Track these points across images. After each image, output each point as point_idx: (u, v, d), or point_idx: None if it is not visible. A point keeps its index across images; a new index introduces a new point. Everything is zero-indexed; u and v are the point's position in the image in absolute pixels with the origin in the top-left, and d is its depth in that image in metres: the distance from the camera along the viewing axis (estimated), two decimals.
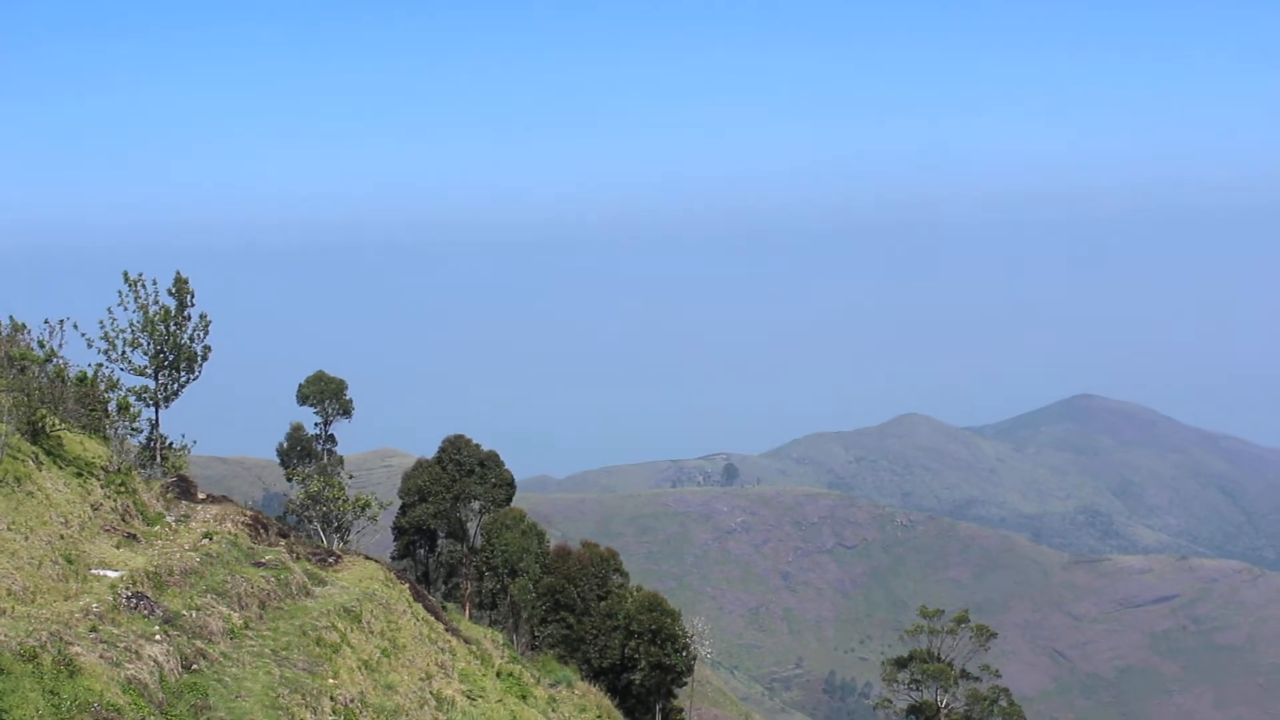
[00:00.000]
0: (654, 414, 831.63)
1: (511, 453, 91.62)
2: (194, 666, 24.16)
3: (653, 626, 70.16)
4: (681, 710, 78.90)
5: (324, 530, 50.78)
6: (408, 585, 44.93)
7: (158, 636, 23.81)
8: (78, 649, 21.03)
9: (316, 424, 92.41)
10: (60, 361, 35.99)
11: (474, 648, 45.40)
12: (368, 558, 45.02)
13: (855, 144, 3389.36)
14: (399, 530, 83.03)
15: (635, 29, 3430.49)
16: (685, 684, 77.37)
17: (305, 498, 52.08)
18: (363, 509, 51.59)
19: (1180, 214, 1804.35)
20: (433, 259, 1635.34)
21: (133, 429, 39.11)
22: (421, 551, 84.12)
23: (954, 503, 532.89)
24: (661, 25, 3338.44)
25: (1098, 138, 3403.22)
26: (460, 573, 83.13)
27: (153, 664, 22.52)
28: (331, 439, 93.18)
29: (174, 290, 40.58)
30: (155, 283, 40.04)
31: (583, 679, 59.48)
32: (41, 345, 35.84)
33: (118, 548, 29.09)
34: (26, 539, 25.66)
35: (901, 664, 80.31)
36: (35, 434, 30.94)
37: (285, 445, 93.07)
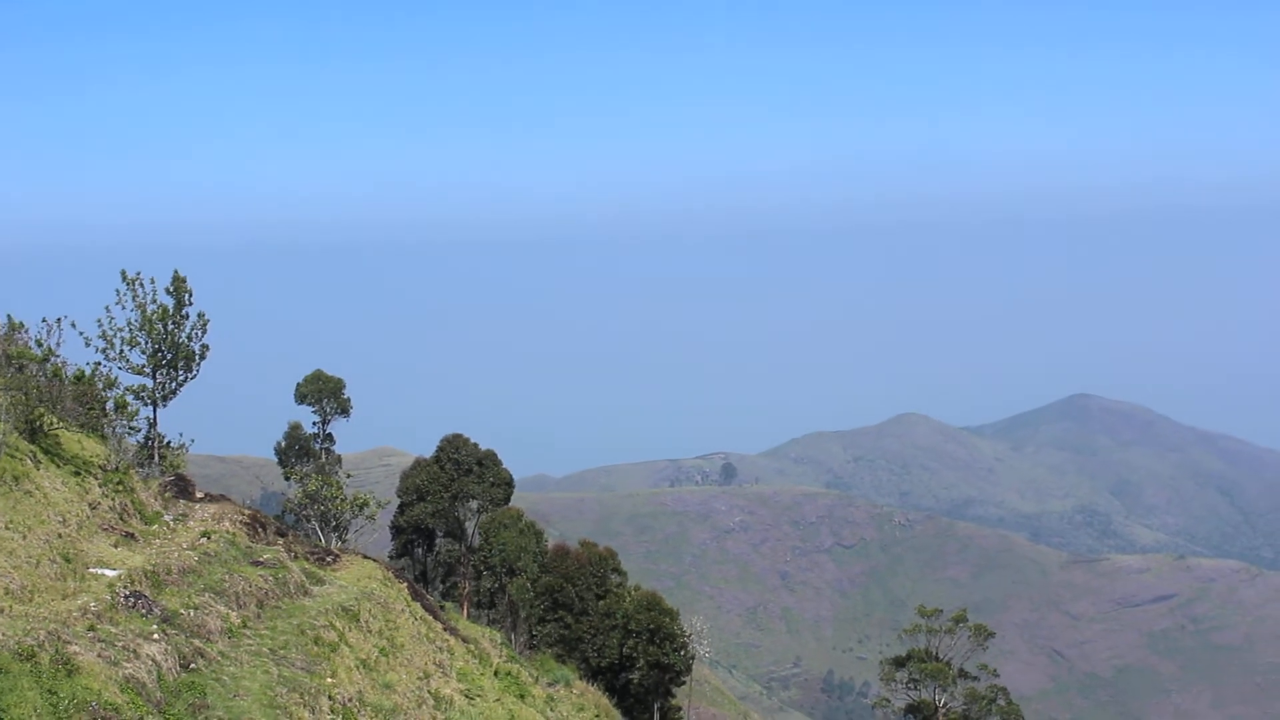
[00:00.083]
0: (652, 413, 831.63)
1: (509, 452, 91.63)
2: (192, 665, 24.16)
3: (651, 626, 70.17)
4: (680, 709, 78.90)
5: (322, 529, 50.78)
6: (406, 584, 44.92)
7: (156, 635, 23.80)
8: (76, 648, 21.03)
9: (314, 423, 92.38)
10: (58, 360, 35.97)
11: (472, 647, 45.40)
12: (366, 557, 45.02)
13: (855, 144, 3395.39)
14: (397, 529, 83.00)
15: (635, 29, 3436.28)
16: (683, 683, 77.38)
17: (303, 497, 52.08)
18: (361, 508, 51.59)
19: (1179, 214, 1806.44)
20: (433, 259, 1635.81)
21: (131, 428, 39.11)
22: (419, 551, 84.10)
23: (952, 502, 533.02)
24: (661, 25, 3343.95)
25: (1098, 138, 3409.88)
26: (458, 572, 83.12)
27: (151, 663, 22.51)
28: (329, 438, 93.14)
29: (172, 289, 40.57)
30: (153, 281, 40.03)
31: (581, 678, 59.48)
32: (40, 344, 35.81)
33: (115, 547, 29.07)
34: (24, 538, 25.65)
35: (899, 663, 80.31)
36: (33, 433, 30.93)
37: (283, 444, 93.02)
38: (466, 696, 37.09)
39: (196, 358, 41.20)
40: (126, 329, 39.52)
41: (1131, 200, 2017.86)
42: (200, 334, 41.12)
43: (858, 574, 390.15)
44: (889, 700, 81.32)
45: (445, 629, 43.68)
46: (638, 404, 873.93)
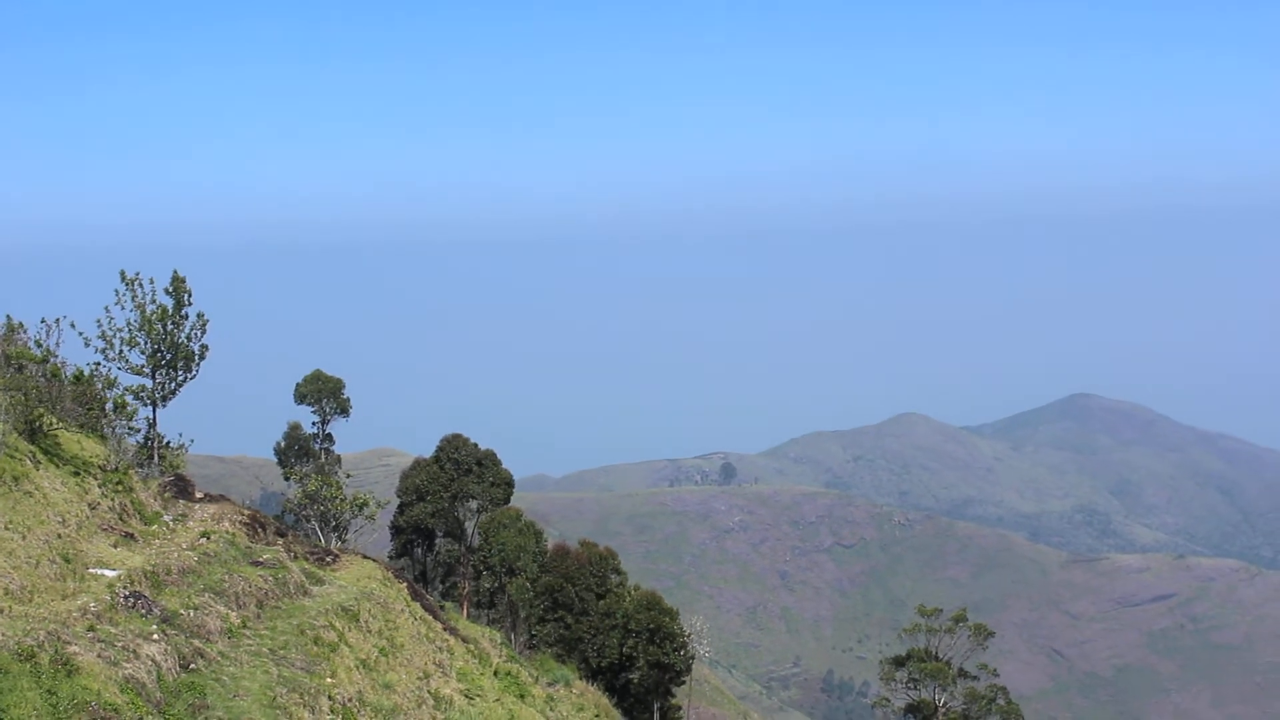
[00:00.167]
0: (652, 413, 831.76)
1: (509, 452, 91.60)
2: (192, 666, 24.16)
3: (651, 625, 70.17)
4: (679, 709, 78.91)
5: (322, 529, 50.78)
6: (405, 584, 44.92)
7: (155, 636, 23.80)
8: (75, 648, 21.03)
9: (314, 423, 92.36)
10: (57, 361, 35.97)
11: (472, 647, 45.39)
12: (365, 557, 45.01)
13: (855, 144, 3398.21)
14: (397, 529, 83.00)
15: (635, 29, 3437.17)
16: (683, 683, 77.39)
17: (303, 497, 52.08)
18: (360, 508, 51.59)
19: (1179, 214, 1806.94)
20: (433, 259, 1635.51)
21: (130, 428, 39.10)
22: (419, 551, 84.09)
23: (952, 502, 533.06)
24: (661, 25, 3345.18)
25: (1097, 138, 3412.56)
26: (458, 572, 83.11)
27: (150, 663, 22.51)
28: (329, 438, 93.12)
29: (171, 289, 40.56)
30: (152, 282, 40.02)
31: (581, 678, 59.49)
32: (39, 345, 35.81)
33: (115, 547, 29.07)
34: (24, 538, 25.64)
35: (899, 663, 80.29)
36: (33, 433, 30.93)
37: (283, 444, 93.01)
38: (466, 696, 37.09)
39: (196, 358, 41.20)
40: (126, 329, 39.50)
41: (1131, 200, 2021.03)
42: (200, 334, 41.11)
43: (857, 574, 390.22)
44: (889, 700, 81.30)
45: (445, 629, 43.68)
46: (637, 404, 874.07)
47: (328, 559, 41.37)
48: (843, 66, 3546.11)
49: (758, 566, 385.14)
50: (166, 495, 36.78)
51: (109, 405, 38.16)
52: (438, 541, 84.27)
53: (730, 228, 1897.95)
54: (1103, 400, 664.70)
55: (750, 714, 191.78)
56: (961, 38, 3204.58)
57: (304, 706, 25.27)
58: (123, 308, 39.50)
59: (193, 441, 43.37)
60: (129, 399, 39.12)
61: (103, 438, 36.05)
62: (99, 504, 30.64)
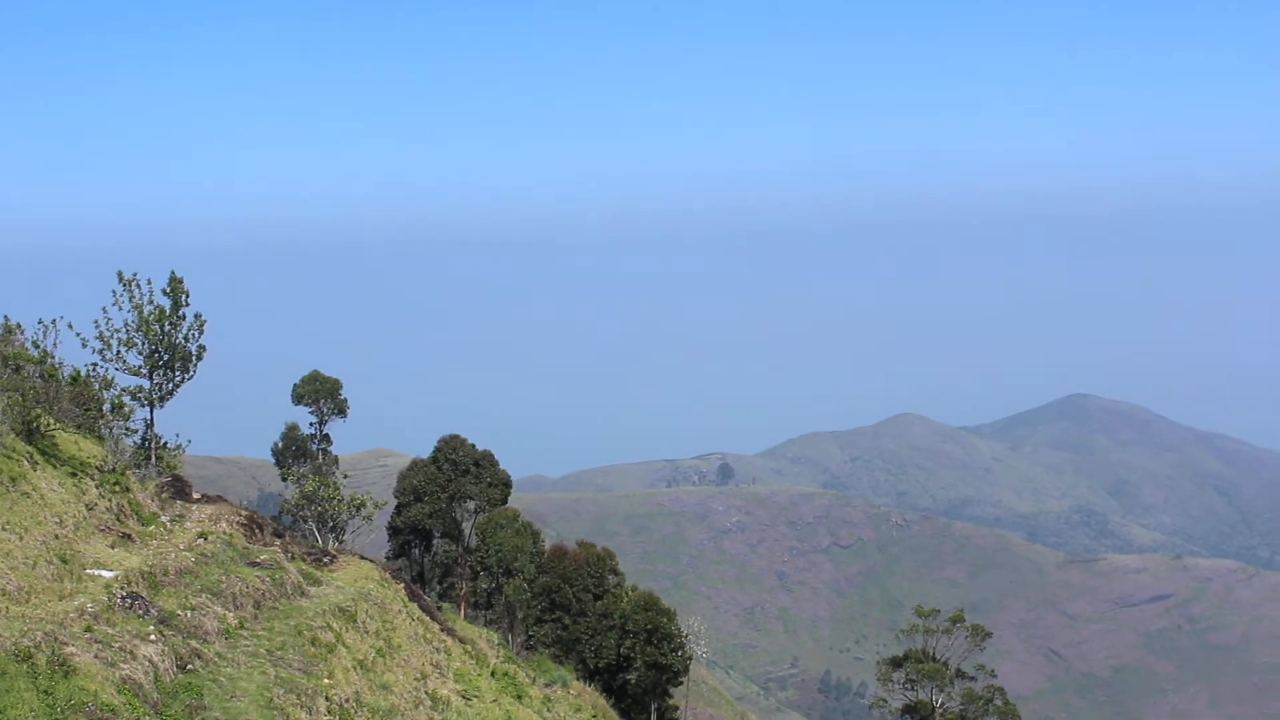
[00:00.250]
0: (649, 413, 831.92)
1: (507, 452, 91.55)
2: (189, 666, 24.17)
3: (648, 626, 70.20)
4: (677, 709, 78.95)
5: (319, 530, 50.76)
6: (403, 585, 44.92)
7: (152, 636, 23.81)
8: (72, 649, 21.04)
9: (311, 424, 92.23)
10: (54, 361, 35.97)
11: (469, 647, 45.40)
12: (363, 557, 45.02)
13: (855, 144, 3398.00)
14: (394, 530, 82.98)
15: (635, 29, 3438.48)
16: (681, 684, 77.42)
17: (300, 497, 52.06)
18: (358, 509, 51.57)
19: (1179, 214, 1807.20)
20: (432, 259, 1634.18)
21: (127, 429, 39.09)
22: (417, 551, 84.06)
23: (949, 502, 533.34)
24: (661, 25, 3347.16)
25: (1098, 137, 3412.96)
26: (455, 572, 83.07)
27: (147, 664, 22.53)
28: (326, 439, 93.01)
29: (169, 290, 40.57)
30: (150, 282, 40.03)
31: (578, 679, 59.52)
32: (36, 345, 35.82)
33: (112, 547, 29.07)
34: (21, 539, 25.65)
35: (897, 663, 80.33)
36: (30, 434, 30.93)
37: (280, 445, 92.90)
38: (463, 697, 37.11)
39: (193, 358, 41.21)
40: (123, 330, 39.52)
41: (1131, 200, 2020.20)
42: (197, 335, 41.12)
43: (855, 574, 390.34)
44: (886, 700, 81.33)
45: (442, 630, 43.69)
46: (635, 404, 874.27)
47: (325, 560, 41.37)
48: (843, 66, 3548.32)
49: (755, 567, 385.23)
50: (164, 496, 36.79)
51: (106, 406, 38.16)
52: (435, 542, 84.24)
53: (730, 228, 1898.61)
54: (1100, 400, 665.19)
55: (748, 715, 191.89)
56: (961, 38, 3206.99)
57: (301, 707, 25.29)
58: (120, 308, 39.51)
59: (190, 442, 43.37)
60: (126, 400, 39.13)
61: (100, 438, 36.05)
62: (96, 505, 30.65)
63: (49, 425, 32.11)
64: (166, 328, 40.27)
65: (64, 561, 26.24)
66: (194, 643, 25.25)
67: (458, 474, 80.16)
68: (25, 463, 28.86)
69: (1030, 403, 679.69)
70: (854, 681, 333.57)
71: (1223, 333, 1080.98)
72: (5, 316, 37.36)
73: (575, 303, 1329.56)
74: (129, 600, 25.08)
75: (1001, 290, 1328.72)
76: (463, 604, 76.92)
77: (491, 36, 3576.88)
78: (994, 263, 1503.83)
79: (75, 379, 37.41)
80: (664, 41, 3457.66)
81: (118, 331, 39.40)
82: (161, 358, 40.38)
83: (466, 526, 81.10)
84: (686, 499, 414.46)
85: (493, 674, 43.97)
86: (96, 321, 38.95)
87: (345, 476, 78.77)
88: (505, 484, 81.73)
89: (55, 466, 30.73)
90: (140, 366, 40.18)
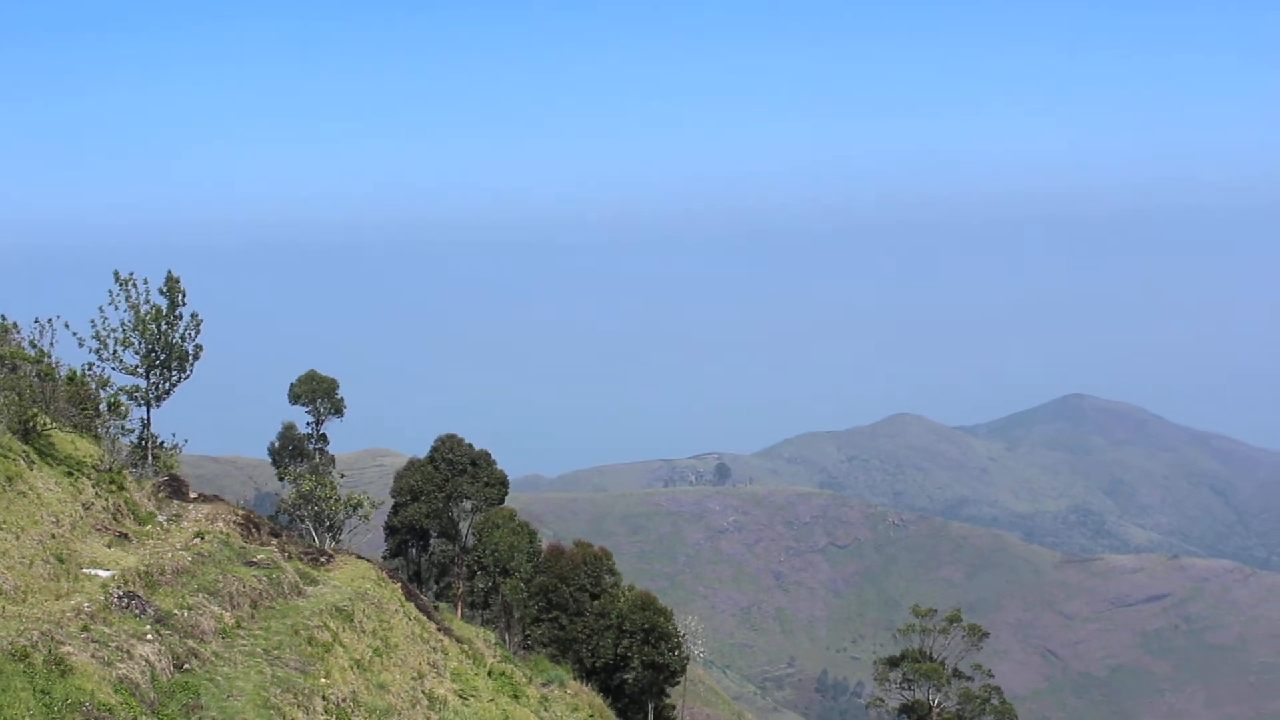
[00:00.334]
0: (646, 413, 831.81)
1: (503, 452, 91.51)
2: (186, 666, 24.15)
3: (645, 626, 70.21)
4: (674, 709, 78.96)
5: (316, 530, 50.75)
6: (400, 584, 44.92)
7: (149, 636, 23.80)
8: (69, 648, 21.02)
9: (308, 423, 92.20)
10: (51, 361, 35.95)
11: (466, 647, 45.39)
12: (360, 557, 45.01)
13: (855, 144, 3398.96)
14: (391, 529, 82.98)
15: (636, 29, 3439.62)
16: (678, 683, 77.43)
17: (297, 497, 52.06)
18: (355, 508, 51.57)
19: (1179, 214, 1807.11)
20: (432, 259, 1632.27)
21: (124, 428, 39.08)
22: (413, 551, 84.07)
23: (946, 502, 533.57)
24: (661, 25, 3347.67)
25: (1098, 138, 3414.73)
26: (452, 572, 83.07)
27: (144, 663, 22.51)
28: (323, 438, 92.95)
29: (165, 290, 40.57)
30: (146, 282, 40.06)
31: (575, 678, 59.52)
32: (33, 345, 35.81)
33: (109, 547, 29.05)
34: (18, 538, 25.64)
35: (894, 663, 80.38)
36: (26, 433, 30.92)
37: (277, 444, 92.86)
38: (461, 697, 37.09)
39: (190, 358, 41.22)
40: (120, 329, 39.51)
41: (1130, 200, 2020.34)
42: (194, 334, 41.13)
43: (852, 574, 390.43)
44: (883, 700, 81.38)
45: (439, 629, 43.68)
46: (632, 404, 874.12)
47: (322, 559, 41.36)
48: (843, 66, 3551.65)
49: (752, 567, 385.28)
50: (160, 495, 36.77)
51: (103, 405, 38.15)
52: (432, 542, 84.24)
53: (730, 228, 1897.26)
54: (1096, 400, 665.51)
55: (745, 714, 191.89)
56: (961, 38, 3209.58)
57: (298, 707, 25.28)
58: (117, 308, 39.52)
59: (186, 441, 43.36)
60: (123, 399, 39.13)
61: (97, 438, 36.04)
62: (93, 504, 30.63)
63: (46, 424, 32.09)
64: (163, 327, 40.28)
65: (61, 561, 26.22)
66: (191, 642, 25.23)
67: (454, 473, 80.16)
68: (22, 462, 28.84)
69: (1027, 403, 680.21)
70: (851, 681, 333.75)
71: (1219, 332, 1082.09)
72: (2, 316, 37.36)
73: (574, 303, 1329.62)
74: (126, 600, 25.07)
75: (1000, 290, 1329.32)
76: (460, 603, 76.92)
77: (491, 36, 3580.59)
78: (993, 263, 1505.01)
79: (72, 378, 37.40)
80: (664, 41, 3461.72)
81: (114, 331, 39.41)
82: (158, 357, 40.39)
83: (463, 526, 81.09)
84: (683, 499, 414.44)
85: (490, 673, 43.97)
86: (93, 321, 38.98)
87: (342, 476, 78.80)
88: (502, 483, 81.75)
89: (52, 466, 30.71)
90: (137, 366, 40.19)
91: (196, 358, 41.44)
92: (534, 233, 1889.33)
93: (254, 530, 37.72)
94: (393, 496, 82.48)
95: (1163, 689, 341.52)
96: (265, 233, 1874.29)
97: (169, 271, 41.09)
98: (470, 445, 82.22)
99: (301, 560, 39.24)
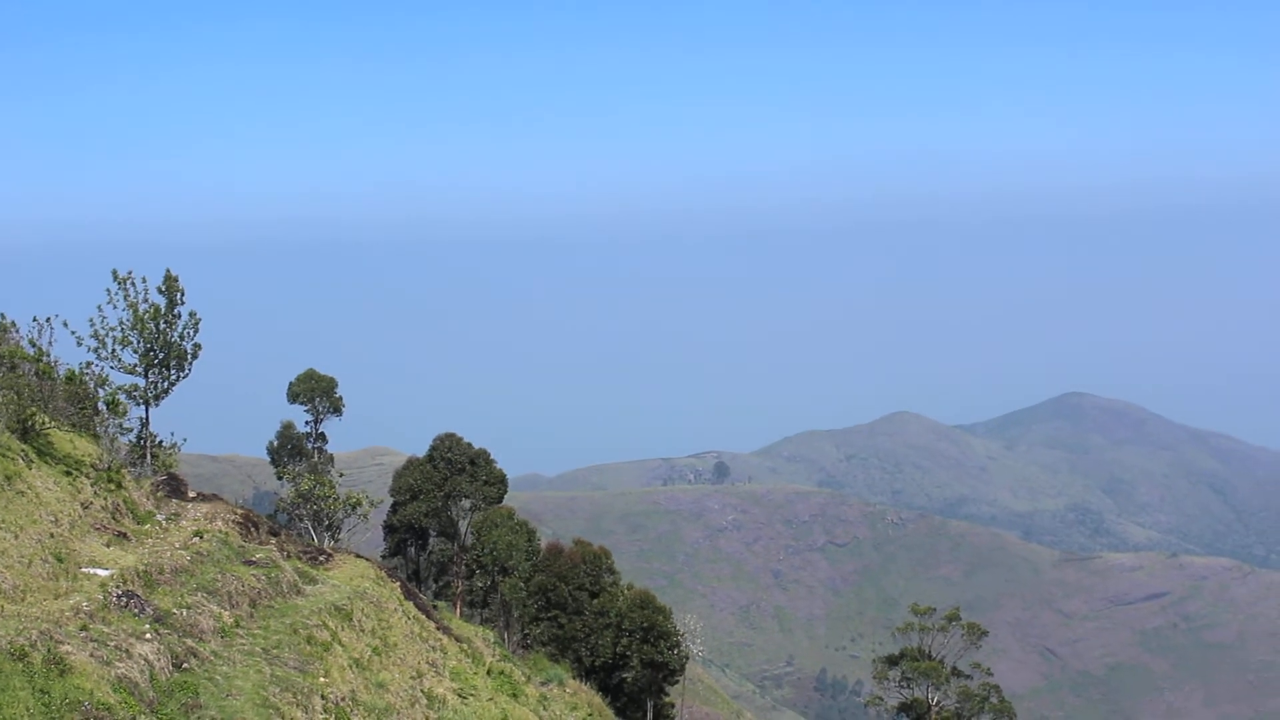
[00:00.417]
0: (645, 412, 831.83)
1: (502, 451, 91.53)
2: (185, 665, 24.15)
3: (644, 624, 70.24)
4: (673, 707, 78.99)
5: (315, 528, 50.74)
6: (399, 583, 44.91)
7: (148, 635, 23.79)
8: (68, 648, 21.02)
9: (307, 422, 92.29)
10: (49, 360, 35.93)
11: (465, 646, 45.39)
12: (359, 556, 45.00)
13: (855, 144, 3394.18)
14: (390, 528, 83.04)
15: (635, 28, 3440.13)
16: (677, 682, 77.46)
17: (296, 496, 52.05)
18: (354, 507, 51.55)
19: (1178, 214, 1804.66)
20: (431, 258, 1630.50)
21: (123, 427, 39.07)
22: (412, 550, 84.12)
23: (945, 501, 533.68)
24: (662, 25, 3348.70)
25: (1098, 137, 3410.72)
26: (451, 571, 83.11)
27: (143, 663, 22.51)
28: (322, 437, 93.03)
29: (164, 288, 40.56)
30: (145, 281, 40.03)
31: (574, 677, 59.55)
32: (32, 344, 35.79)
33: (108, 546, 29.05)
34: (16, 537, 25.63)
35: (892, 662, 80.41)
36: (25, 432, 30.91)
37: (276, 443, 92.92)
38: (460, 696, 37.10)
39: (189, 357, 41.20)
40: (119, 328, 39.49)
41: (1131, 200, 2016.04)
42: (192, 333, 41.11)
43: (850, 572, 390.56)
44: (882, 699, 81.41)
45: (438, 628, 43.68)
46: (631, 403, 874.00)
47: (321, 558, 41.36)
48: (843, 66, 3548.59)
49: (751, 565, 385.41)
50: (159, 494, 36.76)
51: (102, 404, 38.14)
52: (431, 540, 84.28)
53: (730, 228, 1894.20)
54: (1095, 399, 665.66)
55: (744, 713, 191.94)
56: (961, 38, 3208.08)
57: (297, 706, 25.28)
58: (115, 307, 39.51)
59: (185, 440, 43.33)
60: (121, 398, 39.10)
61: (95, 437, 36.03)
62: (92, 503, 30.62)
63: (44, 423, 32.08)
64: (162, 326, 40.26)
65: (59, 560, 26.22)
66: (190, 641, 25.23)
67: (453, 472, 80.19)
68: (20, 461, 28.83)
69: (1025, 401, 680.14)
70: (850, 680, 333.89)
71: (1218, 331, 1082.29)
72: (1, 314, 37.34)
73: (574, 302, 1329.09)
74: (124, 599, 25.06)
75: (999, 289, 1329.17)
76: (459, 602, 76.94)
77: (491, 35, 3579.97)
78: (992, 262, 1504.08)
79: (70, 377, 37.38)
80: (664, 41, 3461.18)
81: (113, 330, 39.38)
82: (157, 356, 40.37)
83: (462, 525, 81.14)
84: (682, 497, 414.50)
85: (489, 672, 43.96)
86: (92, 320, 38.96)
87: (341, 475, 78.74)
88: (501, 482, 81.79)
89: (50, 465, 30.70)
90: (135, 365, 40.16)
91: (195, 356, 41.42)
92: (534, 232, 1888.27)
93: (253, 529, 37.71)
94: (392, 495, 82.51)
95: (1161, 687, 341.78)
96: (264, 231, 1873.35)
97: (167, 270, 41.08)
98: (469, 444, 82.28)
99: (300, 559, 39.23)
